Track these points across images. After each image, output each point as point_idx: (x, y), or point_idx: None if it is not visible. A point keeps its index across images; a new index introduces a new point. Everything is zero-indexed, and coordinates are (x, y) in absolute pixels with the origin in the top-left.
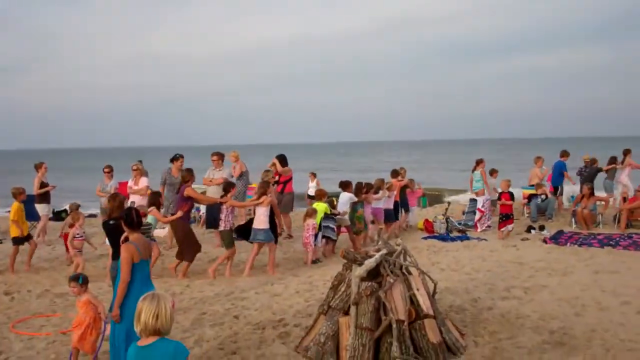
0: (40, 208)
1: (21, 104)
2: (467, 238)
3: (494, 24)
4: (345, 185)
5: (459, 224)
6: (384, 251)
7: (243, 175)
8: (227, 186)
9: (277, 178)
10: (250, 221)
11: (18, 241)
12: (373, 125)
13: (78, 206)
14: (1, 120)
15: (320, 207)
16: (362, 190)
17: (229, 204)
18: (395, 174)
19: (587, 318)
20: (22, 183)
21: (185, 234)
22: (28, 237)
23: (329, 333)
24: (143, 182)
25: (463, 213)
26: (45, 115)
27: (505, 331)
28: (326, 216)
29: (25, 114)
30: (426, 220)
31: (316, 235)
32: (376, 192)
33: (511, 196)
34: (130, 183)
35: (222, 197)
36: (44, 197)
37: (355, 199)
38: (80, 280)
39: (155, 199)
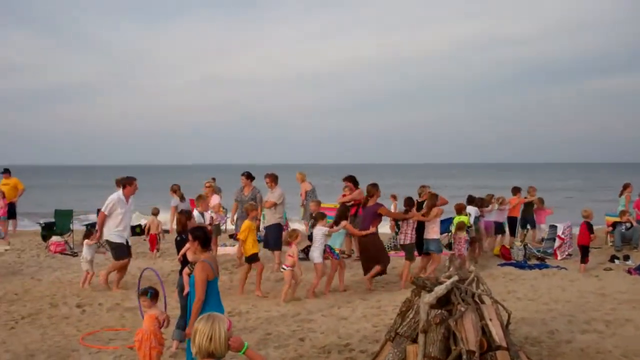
0: None
1: (96, 123)
2: (546, 266)
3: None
4: (469, 201)
5: (538, 251)
6: (455, 278)
7: (308, 194)
8: (409, 201)
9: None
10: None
11: (252, 259)
12: (452, 146)
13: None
14: (79, 137)
15: (465, 219)
16: (482, 204)
17: (415, 218)
18: (515, 190)
19: None
20: (101, 198)
21: (377, 249)
22: (254, 257)
23: None
24: (215, 199)
25: (542, 240)
26: (119, 134)
27: None
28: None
29: (102, 132)
30: (503, 246)
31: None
32: (486, 206)
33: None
34: None
35: (405, 212)
36: None
37: (479, 213)
38: (149, 295)
39: (344, 213)
